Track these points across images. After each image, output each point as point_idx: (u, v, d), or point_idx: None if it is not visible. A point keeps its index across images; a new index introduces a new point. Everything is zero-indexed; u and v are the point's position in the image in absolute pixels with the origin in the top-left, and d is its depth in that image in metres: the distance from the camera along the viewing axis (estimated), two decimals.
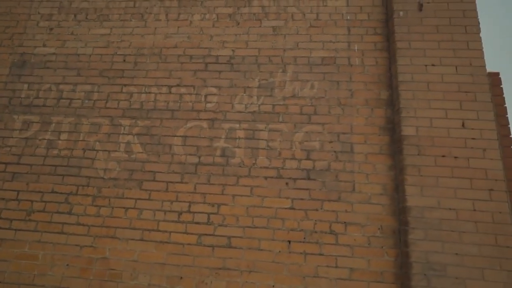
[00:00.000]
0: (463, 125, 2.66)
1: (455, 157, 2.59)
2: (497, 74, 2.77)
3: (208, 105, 3.05)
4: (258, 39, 3.22)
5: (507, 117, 2.65)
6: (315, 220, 2.66)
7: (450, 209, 2.48)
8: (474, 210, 2.46)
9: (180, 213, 2.77)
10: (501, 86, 2.73)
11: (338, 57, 3.09)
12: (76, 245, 2.75)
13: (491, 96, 2.70)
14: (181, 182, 2.85)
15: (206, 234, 2.70)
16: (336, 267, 2.54)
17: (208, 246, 2.67)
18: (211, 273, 2.60)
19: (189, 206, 2.78)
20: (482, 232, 2.40)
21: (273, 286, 2.54)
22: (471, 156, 2.58)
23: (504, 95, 2.70)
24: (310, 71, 3.08)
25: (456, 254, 2.38)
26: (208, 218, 2.73)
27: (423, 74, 2.82)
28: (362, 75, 3.02)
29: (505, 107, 2.66)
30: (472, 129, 2.64)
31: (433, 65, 2.84)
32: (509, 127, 2.63)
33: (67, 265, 2.70)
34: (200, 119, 3.02)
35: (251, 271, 2.58)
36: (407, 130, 2.69)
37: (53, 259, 2.73)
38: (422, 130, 2.68)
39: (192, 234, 2.71)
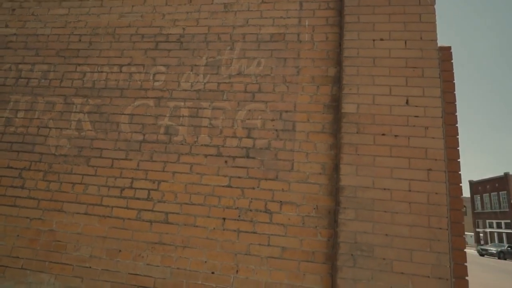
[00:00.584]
0: (407, 102, 2.52)
1: (396, 136, 2.46)
2: (448, 48, 2.58)
3: (156, 83, 3.06)
4: (209, 17, 3.17)
5: (455, 94, 2.48)
6: (251, 199, 2.63)
7: (384, 189, 2.37)
8: (410, 190, 2.35)
9: (122, 189, 2.82)
10: (451, 61, 2.55)
11: (287, 33, 2.99)
12: (27, 217, 2.88)
13: (440, 71, 2.53)
14: (126, 159, 2.89)
15: (145, 210, 2.74)
16: (268, 245, 2.52)
17: (147, 221, 2.71)
18: (148, 247, 2.65)
19: (132, 182, 2.83)
20: (415, 213, 2.30)
21: (206, 262, 2.56)
22: (412, 135, 2.44)
23: (453, 71, 2.52)
24: (258, 48, 3.00)
25: (386, 235, 2.29)
26: (148, 194, 2.77)
27: (369, 49, 2.68)
28: (310, 51, 2.91)
29: (453, 83, 2.49)
30: (416, 106, 2.50)
31: (381, 39, 2.69)
32: (455, 105, 2.46)
33: (18, 235, 2.84)
34: (147, 98, 3.03)
35: (185, 247, 2.61)
36: (348, 108, 2.58)
37: (5, 230, 2.87)
38: (363, 107, 2.56)
39: (132, 209, 2.76)
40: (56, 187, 2.91)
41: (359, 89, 2.60)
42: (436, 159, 2.36)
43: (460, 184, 2.32)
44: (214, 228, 2.61)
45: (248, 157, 2.73)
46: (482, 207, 43.35)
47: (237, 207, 2.63)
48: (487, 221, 41.88)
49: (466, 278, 2.18)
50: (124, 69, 3.15)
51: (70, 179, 2.91)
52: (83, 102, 3.11)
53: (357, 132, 2.52)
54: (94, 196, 2.84)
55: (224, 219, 2.62)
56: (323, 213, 2.51)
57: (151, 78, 3.08)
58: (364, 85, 2.60)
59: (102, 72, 3.18)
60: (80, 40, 3.31)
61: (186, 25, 3.18)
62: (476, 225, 44.43)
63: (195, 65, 3.05)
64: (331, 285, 2.34)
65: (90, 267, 2.68)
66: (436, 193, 2.31)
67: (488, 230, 41.41)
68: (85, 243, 2.74)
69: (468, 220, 55.48)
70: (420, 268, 2.20)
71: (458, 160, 2.35)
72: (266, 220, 2.57)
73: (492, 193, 41.50)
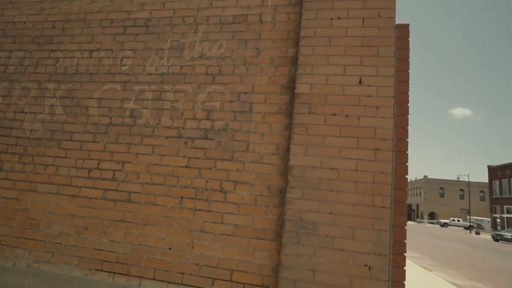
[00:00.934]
0: (360, 81, 2.49)
1: (346, 116, 2.46)
2: (406, 26, 2.52)
3: (123, 68, 3.13)
4: (175, 0, 3.19)
5: (408, 73, 2.43)
6: (208, 178, 2.71)
7: (332, 168, 2.40)
8: (356, 170, 2.36)
9: (90, 170, 2.96)
10: (408, 39, 2.49)
11: (250, 14, 2.98)
12: (4, 197, 3.07)
13: (396, 50, 2.48)
14: (94, 142, 3.01)
15: (110, 189, 2.87)
16: (222, 223, 2.60)
17: (111, 200, 2.85)
18: (112, 225, 2.80)
19: (98, 163, 2.95)
20: (360, 192, 2.31)
21: (164, 238, 2.68)
22: (362, 115, 2.43)
23: (409, 49, 2.46)
24: (221, 30, 3.01)
25: (330, 213, 2.33)
26: (113, 175, 2.90)
27: (326, 29, 2.64)
28: (271, 32, 2.90)
29: (408, 62, 2.44)
30: (368, 86, 2.47)
31: (339, 18, 2.64)
32: (408, 84, 2.42)
33: None
34: (115, 82, 3.12)
35: (145, 224, 2.73)
36: (301, 88, 2.58)
37: None
38: (317, 87, 2.55)
39: (98, 189, 2.89)
40: (31, 168, 3.08)
41: (313, 69, 2.59)
42: (384, 139, 2.35)
43: (407, 164, 2.31)
44: (172, 207, 2.72)
45: (206, 138, 2.80)
46: (501, 192, 42.09)
47: (194, 187, 2.72)
48: (505, 206, 40.73)
49: (404, 254, 2.20)
50: (94, 54, 3.24)
51: (43, 161, 3.07)
52: (56, 87, 3.24)
53: (308, 113, 2.52)
54: (64, 177, 2.99)
55: (181, 198, 2.72)
56: (275, 192, 2.56)
57: (118, 62, 3.16)
58: (319, 65, 2.59)
59: (73, 57, 3.28)
60: (53, 27, 3.41)
61: (153, 9, 3.22)
62: (493, 211, 43.32)
63: (160, 49, 3.10)
64: (278, 261, 2.42)
65: (60, 243, 2.85)
66: (382, 173, 2.31)
67: (505, 215, 40.33)
68: (56, 221, 2.91)
69: (485, 205, 54.17)
70: (361, 245, 2.24)
71: (407, 139, 2.34)
72: (220, 199, 2.65)
73: (511, 179, 40.18)
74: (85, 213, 2.87)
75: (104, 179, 2.90)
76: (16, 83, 3.34)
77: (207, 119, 2.83)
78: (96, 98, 3.11)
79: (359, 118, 2.43)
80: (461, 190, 61.79)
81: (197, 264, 2.57)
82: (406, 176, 2.29)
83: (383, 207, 2.26)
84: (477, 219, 50.81)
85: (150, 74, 3.05)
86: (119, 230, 2.77)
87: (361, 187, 2.32)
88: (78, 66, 3.24)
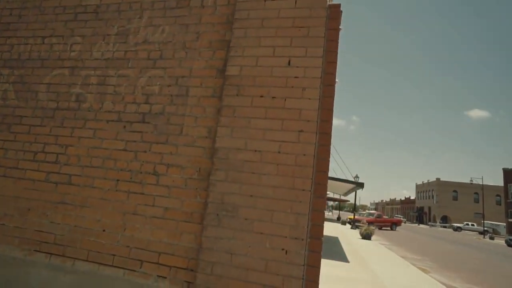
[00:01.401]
0: (289, 63, 2.44)
1: (273, 97, 2.41)
2: (338, 6, 2.45)
3: (72, 53, 3.17)
4: None
5: (337, 53, 2.36)
6: (142, 161, 2.71)
7: (255, 151, 2.36)
8: (279, 152, 2.31)
9: (35, 153, 3.01)
10: (339, 19, 2.42)
11: None
12: None
13: (326, 30, 2.41)
14: (41, 126, 3.06)
15: (53, 172, 2.91)
16: (153, 206, 2.60)
17: (53, 183, 2.89)
18: (52, 207, 2.84)
19: (44, 147, 3.00)
20: (282, 174, 2.26)
21: (99, 220, 2.69)
22: (289, 96, 2.38)
23: (340, 29, 2.39)
24: (164, 15, 3.00)
25: (251, 196, 2.29)
26: (57, 158, 2.94)
27: (260, 10, 2.60)
28: (212, 16, 2.87)
29: (337, 42, 2.37)
30: (297, 67, 2.42)
31: None
32: (336, 64, 2.35)
33: None
34: (64, 67, 3.16)
35: (83, 206, 2.76)
36: (232, 70, 2.55)
37: None
38: (246, 69, 2.52)
39: (42, 171, 2.94)
40: None
41: (244, 51, 2.56)
42: (308, 120, 2.30)
43: (330, 146, 2.25)
44: (108, 189, 2.73)
45: (144, 122, 2.80)
46: None
47: (130, 170, 2.73)
48: None
49: (321, 238, 2.13)
50: (46, 40, 3.29)
51: None
52: (9, 73, 3.31)
53: (237, 95, 2.49)
54: (12, 159, 3.05)
55: (117, 180, 2.73)
56: (204, 175, 2.54)
57: (68, 48, 3.20)
58: (250, 47, 2.55)
59: (27, 44, 3.34)
60: (11, 14, 3.49)
61: None
62: (508, 215, 41.82)
63: (107, 35, 3.12)
64: None
65: (4, 224, 2.91)
66: (304, 155, 2.25)
67: None
68: (1, 203, 2.97)
69: (501, 209, 52.33)
70: (279, 228, 2.19)
71: (331, 121, 2.27)
72: (153, 182, 2.65)
73: None
74: (28, 195, 2.92)
75: (48, 162, 2.95)
76: None
77: (146, 103, 2.84)
78: (46, 83, 3.16)
79: (285, 99, 2.38)
80: (476, 193, 59.95)
81: (128, 246, 2.58)
82: (329, 159, 2.22)
83: (303, 190, 2.20)
84: (492, 223, 49.14)
85: (96, 59, 3.08)
86: (59, 212, 2.80)
87: (283, 169, 2.27)
88: (31, 52, 3.30)
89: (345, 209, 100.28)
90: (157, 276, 2.45)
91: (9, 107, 3.20)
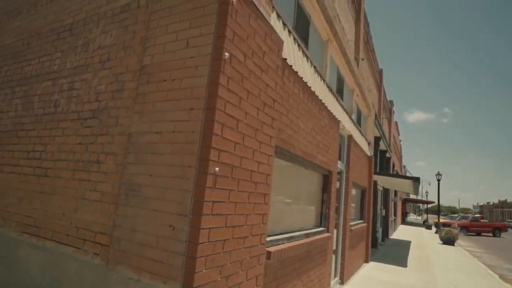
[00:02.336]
0: (187, 44, 2.48)
1: (173, 80, 2.47)
2: None
3: (54, 67, 3.74)
4: (88, 3, 3.66)
5: (226, 27, 2.29)
6: (91, 152, 3.04)
7: (156, 132, 2.45)
8: (174, 131, 2.35)
9: (29, 152, 3.63)
10: None
11: (132, 2, 3.22)
12: None
13: (218, 5, 2.38)
14: (33, 129, 3.69)
15: (38, 167, 3.47)
16: (95, 190, 2.89)
17: (37, 176, 3.44)
18: (35, 195, 3.38)
19: (33, 146, 3.60)
20: (175, 153, 2.30)
21: (61, 205, 3.11)
22: (185, 76, 2.41)
23: (232, 2, 2.32)
24: (113, 21, 3.33)
25: (151, 175, 2.38)
26: (40, 155, 3.50)
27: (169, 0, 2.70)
28: (145, 14, 3.06)
29: (227, 15, 2.30)
30: (194, 47, 2.44)
31: None
32: (225, 38, 2.28)
33: None
34: (49, 79, 3.75)
35: (53, 194, 3.22)
36: (145, 60, 2.70)
37: None
38: (156, 57, 2.64)
39: (32, 167, 3.53)
40: (1, 154, 3.95)
41: (155, 40, 2.69)
42: (198, 98, 2.29)
43: (215, 121, 2.19)
44: (68, 178, 3.14)
45: (93, 117, 3.14)
46: None
47: (82, 160, 3.09)
48: None
49: (202, 215, 2.08)
50: (41, 59, 3.96)
51: (11, 148, 3.91)
52: (19, 90, 4.07)
53: (147, 82, 2.63)
54: (16, 159, 3.74)
55: (74, 170, 3.12)
56: None
57: (53, 63, 3.80)
58: (160, 35, 2.67)
59: (30, 65, 4.07)
60: (23, 43, 4.30)
61: (75, 14, 3.76)
62: None
63: (77, 47, 3.60)
64: None
65: (9, 211, 3.58)
66: (192, 132, 2.26)
67: None
68: (8, 193, 3.67)
69: None
70: (169, 205, 2.23)
71: (217, 95, 2.22)
72: (96, 169, 2.95)
73: None
74: (23, 187, 3.54)
75: (35, 158, 3.53)
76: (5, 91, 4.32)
77: (96, 101, 3.18)
78: (38, 94, 3.81)
79: (182, 80, 2.42)
80: None
81: (77, 227, 2.92)
82: (214, 133, 2.17)
83: (190, 166, 2.21)
84: None
85: (68, 69, 3.59)
86: (39, 200, 3.33)
87: (177, 148, 2.31)
88: (32, 71, 4.01)
89: (442, 213, 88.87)
90: (93, 253, 2.72)
91: (18, 117, 3.94)
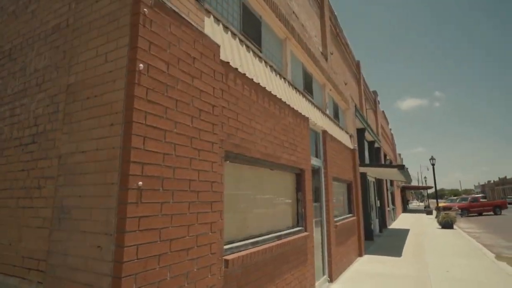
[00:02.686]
0: (106, 59, 2.42)
1: (95, 96, 2.42)
2: None
3: None
4: (22, 28, 3.60)
5: (138, 38, 2.24)
6: (32, 178, 2.96)
7: (83, 152, 2.38)
8: (97, 149, 2.29)
9: None
10: (140, 2, 2.31)
11: (62, 21, 3.17)
12: None
13: (131, 16, 2.33)
14: None
15: None
16: (37, 217, 2.80)
17: None
18: None
19: None
20: (99, 171, 2.24)
21: (8, 236, 3.03)
22: (105, 92, 2.36)
23: (143, 12, 2.28)
24: (46, 43, 3.27)
25: (79, 196, 2.32)
26: None
27: (88, 15, 2.66)
28: (73, 33, 3.03)
29: (138, 25, 2.25)
30: (111, 61, 2.38)
31: (96, 1, 2.63)
32: (137, 49, 2.23)
33: None
34: None
35: (1, 225, 3.14)
36: (71, 79, 2.65)
37: None
38: (80, 75, 2.59)
39: None
40: None
41: (78, 58, 2.64)
42: (117, 112, 2.24)
43: (132, 134, 2.13)
44: (13, 207, 3.06)
45: (34, 142, 3.07)
46: None
47: (25, 187, 3.01)
48: None
49: (126, 233, 2.01)
50: None
51: None
52: None
53: (73, 101, 2.57)
54: None
55: (18, 198, 3.04)
56: None
57: None
58: (82, 52, 2.62)
59: None
60: None
61: (13, 39, 3.70)
62: None
63: (15, 72, 3.54)
64: None
65: None
66: (113, 148, 2.20)
67: None
68: None
69: None
70: (96, 225, 2.17)
71: (133, 108, 2.16)
72: (38, 195, 2.87)
73: None
74: None
75: None
76: None
77: (35, 125, 3.12)
78: None
79: (102, 96, 2.37)
80: None
81: (23, 257, 2.83)
82: (132, 147, 2.11)
83: (112, 183, 2.15)
84: None
85: (9, 95, 3.52)
86: None
87: (100, 165, 2.25)
88: None
89: (446, 196, 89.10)
90: (37, 282, 2.63)
91: None
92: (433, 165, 26.89)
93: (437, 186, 27.76)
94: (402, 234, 15.14)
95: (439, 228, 17.12)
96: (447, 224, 17.00)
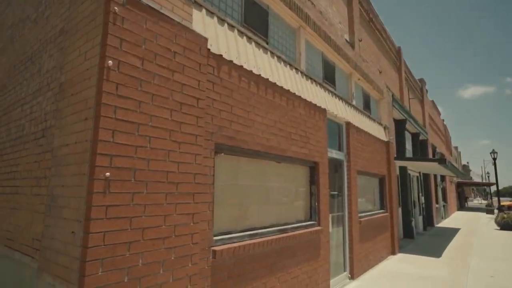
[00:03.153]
0: (85, 57, 2.58)
1: (77, 93, 2.59)
2: None
3: (22, 94, 4.12)
4: (37, 34, 3.96)
5: (107, 35, 2.34)
6: (43, 169, 3.29)
7: (67, 145, 2.58)
8: (76, 142, 2.46)
9: None
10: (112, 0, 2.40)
11: (67, 24, 3.42)
12: None
13: (103, 15, 2.44)
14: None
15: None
16: (43, 204, 3.12)
17: None
18: (8, 213, 3.74)
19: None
20: (76, 163, 2.42)
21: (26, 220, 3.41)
22: (83, 88, 2.53)
23: (114, 10, 2.37)
24: (55, 45, 3.57)
25: (63, 186, 2.51)
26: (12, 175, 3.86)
27: (75, 18, 2.83)
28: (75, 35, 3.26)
29: (108, 24, 2.35)
30: (88, 59, 2.54)
31: (82, 3, 2.79)
32: (107, 46, 2.33)
33: None
34: (19, 105, 4.13)
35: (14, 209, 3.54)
36: (62, 78, 2.86)
37: None
38: (68, 74, 2.80)
39: None
40: None
41: (67, 58, 2.84)
42: (90, 108, 2.38)
43: (100, 128, 2.24)
44: (28, 194, 3.43)
45: (43, 136, 3.40)
46: None
47: (36, 176, 3.35)
48: None
49: (93, 219, 2.14)
50: (10, 91, 4.37)
51: None
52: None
53: (63, 99, 2.78)
54: None
55: (32, 186, 3.40)
56: None
57: (21, 90, 4.17)
58: (70, 53, 2.82)
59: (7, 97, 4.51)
60: None
61: (33, 45, 4.10)
62: None
63: (34, 73, 3.92)
64: None
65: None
66: (86, 141, 2.35)
67: None
68: None
69: None
70: (72, 212, 2.35)
71: (101, 103, 2.27)
72: (44, 184, 3.17)
73: None
74: (3, 205, 3.94)
75: (11, 178, 3.91)
76: None
77: (44, 121, 3.43)
78: (14, 121, 4.20)
79: (81, 92, 2.53)
80: None
81: (33, 239, 3.17)
82: (99, 140, 2.23)
83: (84, 174, 2.30)
84: None
85: (30, 94, 3.92)
86: (13, 215, 3.68)
87: (77, 157, 2.42)
88: (11, 99, 4.45)
89: None
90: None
91: (2, 143, 4.40)
92: (494, 159, 24.26)
93: (503, 183, 24.97)
94: (450, 233, 13.96)
95: (497, 229, 15.46)
96: (506, 225, 15.27)
